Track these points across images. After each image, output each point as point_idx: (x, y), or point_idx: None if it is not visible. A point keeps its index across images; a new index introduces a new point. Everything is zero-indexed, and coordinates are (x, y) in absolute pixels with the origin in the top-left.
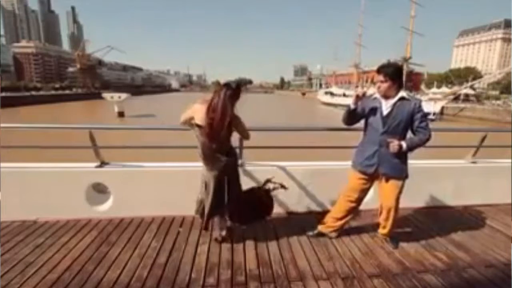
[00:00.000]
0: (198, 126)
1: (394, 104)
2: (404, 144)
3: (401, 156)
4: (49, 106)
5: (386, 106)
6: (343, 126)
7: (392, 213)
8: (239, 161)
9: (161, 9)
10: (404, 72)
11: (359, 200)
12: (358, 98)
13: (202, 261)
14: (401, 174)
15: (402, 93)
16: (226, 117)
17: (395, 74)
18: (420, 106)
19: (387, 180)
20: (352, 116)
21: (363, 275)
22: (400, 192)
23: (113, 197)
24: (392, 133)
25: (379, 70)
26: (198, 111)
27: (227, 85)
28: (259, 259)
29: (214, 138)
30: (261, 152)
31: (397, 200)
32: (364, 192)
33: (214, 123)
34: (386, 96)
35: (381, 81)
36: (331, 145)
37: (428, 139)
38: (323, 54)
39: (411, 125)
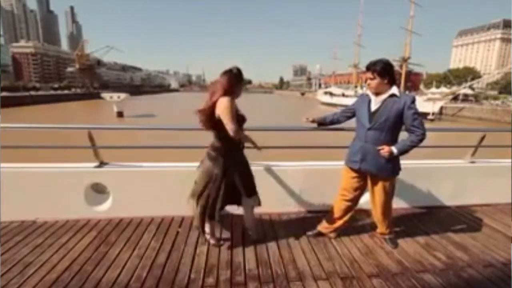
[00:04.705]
0: None
1: (384, 100)
2: (395, 150)
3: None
4: (48, 106)
5: (375, 103)
6: (342, 126)
7: (383, 213)
8: None
9: (160, 9)
10: (403, 72)
11: (354, 199)
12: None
13: (201, 261)
14: (388, 173)
15: (393, 90)
16: (215, 95)
17: (383, 71)
18: (411, 103)
19: (374, 179)
20: (329, 125)
21: (362, 275)
22: (389, 191)
23: (112, 197)
24: (378, 130)
25: (368, 68)
26: None
27: (228, 71)
28: (258, 259)
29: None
30: (260, 151)
31: (386, 199)
32: (357, 190)
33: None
34: (377, 93)
35: (370, 78)
36: (331, 145)
37: (421, 140)
38: (323, 54)
39: (403, 123)
